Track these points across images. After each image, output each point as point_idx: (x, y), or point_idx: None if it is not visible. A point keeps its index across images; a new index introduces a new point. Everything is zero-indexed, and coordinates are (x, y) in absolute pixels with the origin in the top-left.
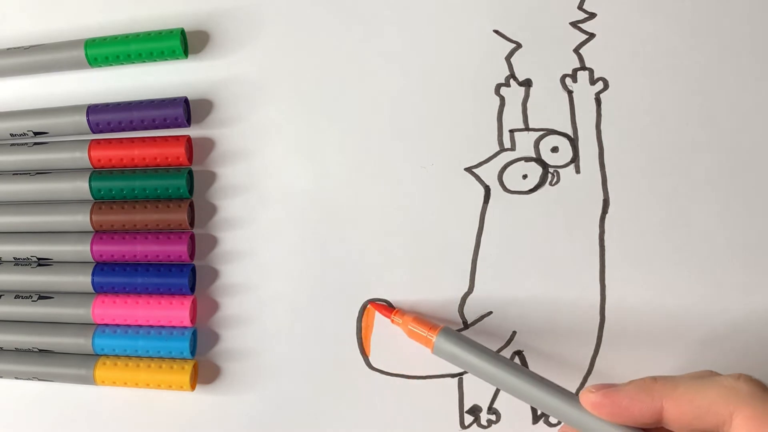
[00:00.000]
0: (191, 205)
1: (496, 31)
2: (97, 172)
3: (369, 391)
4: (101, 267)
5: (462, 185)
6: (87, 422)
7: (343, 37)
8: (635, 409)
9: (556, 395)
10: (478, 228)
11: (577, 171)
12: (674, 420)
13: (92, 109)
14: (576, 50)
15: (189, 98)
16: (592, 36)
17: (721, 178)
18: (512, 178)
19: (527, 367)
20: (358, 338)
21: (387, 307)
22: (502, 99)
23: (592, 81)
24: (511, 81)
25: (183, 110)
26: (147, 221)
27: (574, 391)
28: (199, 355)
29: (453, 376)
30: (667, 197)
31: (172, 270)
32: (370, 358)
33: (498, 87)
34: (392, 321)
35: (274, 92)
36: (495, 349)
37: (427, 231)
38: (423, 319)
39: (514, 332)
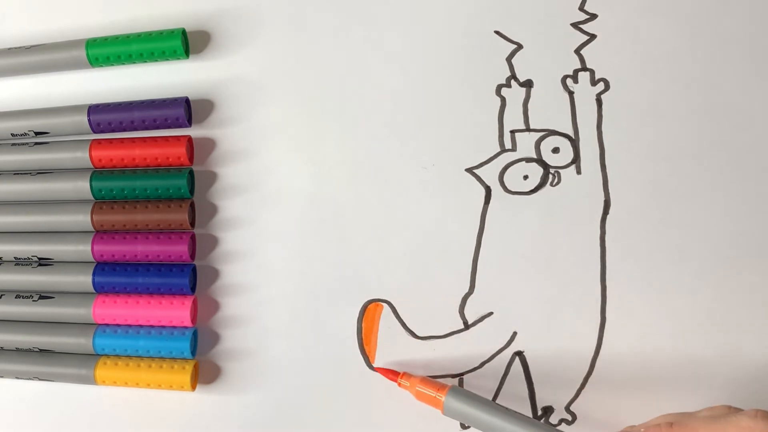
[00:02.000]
0: (192, 205)
1: (497, 32)
2: (98, 172)
3: (369, 391)
4: (102, 267)
5: (463, 186)
6: (87, 422)
7: (343, 37)
8: None
9: None
10: (479, 228)
11: (578, 172)
12: None
13: (93, 109)
14: (577, 51)
15: (190, 98)
16: (593, 37)
17: (722, 179)
18: (513, 178)
19: (528, 368)
20: (358, 338)
21: (393, 372)
22: (503, 100)
23: (593, 82)
24: (512, 82)
25: (184, 110)
26: (148, 221)
27: (574, 393)
28: (199, 355)
29: (454, 376)
30: (668, 198)
31: (173, 270)
32: (371, 358)
33: (499, 88)
34: (399, 384)
35: (275, 92)
36: (495, 349)
37: (427, 231)
38: (430, 381)
39: (515, 333)
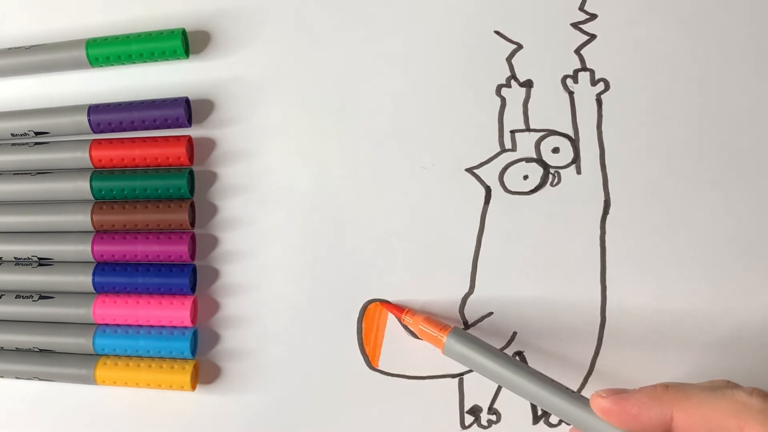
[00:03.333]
0: (192, 205)
1: (497, 32)
2: (98, 172)
3: (369, 391)
4: (102, 267)
5: (463, 186)
6: (87, 422)
7: (344, 37)
8: (644, 418)
9: (566, 399)
10: (479, 228)
11: (578, 172)
12: (683, 431)
13: (93, 109)
14: (577, 51)
15: (190, 98)
16: (593, 37)
17: (722, 179)
18: (513, 178)
19: None
20: (358, 338)
21: (398, 307)
22: (503, 100)
23: (593, 82)
24: (512, 82)
25: (184, 110)
26: (148, 221)
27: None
28: (199, 355)
29: (453, 376)
30: (668, 198)
31: (173, 270)
32: (371, 359)
33: (499, 88)
34: (403, 321)
35: (275, 92)
36: None
37: (427, 231)
38: (434, 320)
39: (515, 333)
